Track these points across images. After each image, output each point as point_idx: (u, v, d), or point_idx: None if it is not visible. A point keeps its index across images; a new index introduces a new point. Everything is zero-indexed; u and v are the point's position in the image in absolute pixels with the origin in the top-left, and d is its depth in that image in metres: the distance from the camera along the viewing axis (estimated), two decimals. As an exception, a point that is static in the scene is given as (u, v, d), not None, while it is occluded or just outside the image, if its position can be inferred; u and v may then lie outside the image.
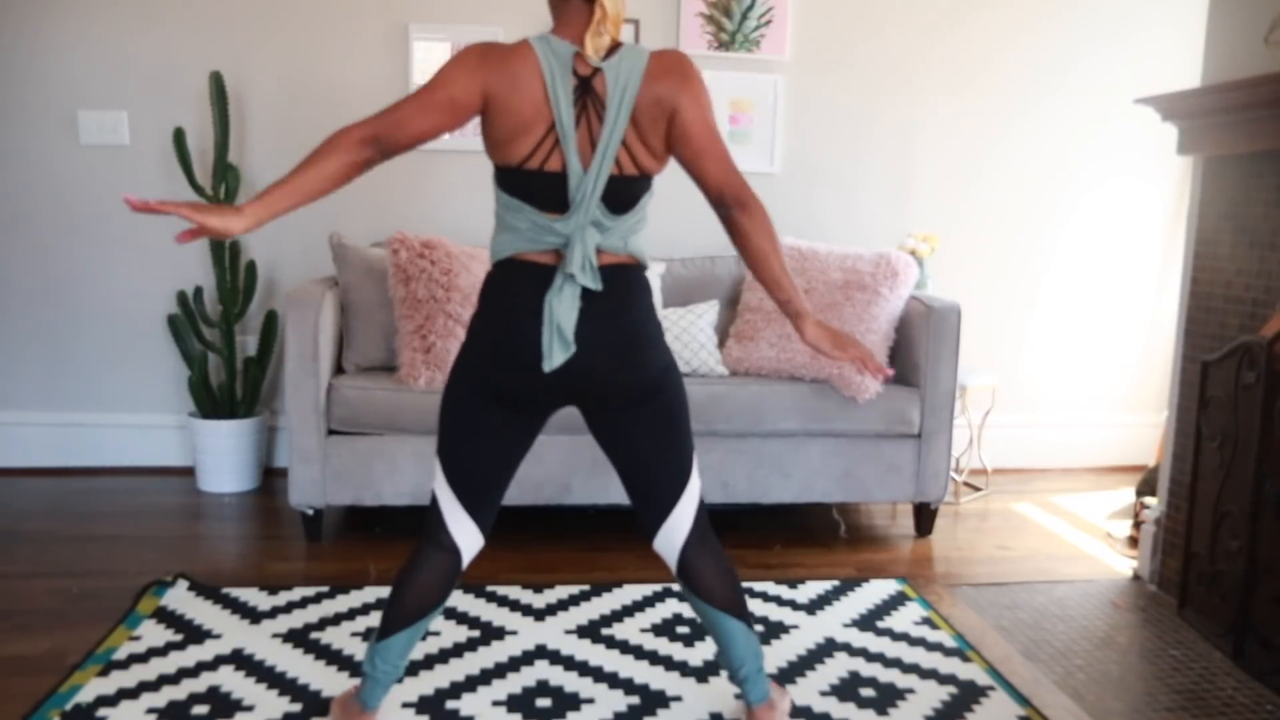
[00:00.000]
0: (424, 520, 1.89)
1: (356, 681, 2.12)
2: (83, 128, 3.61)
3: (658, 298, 3.48)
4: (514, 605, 2.63)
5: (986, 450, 3.97)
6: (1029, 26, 3.90)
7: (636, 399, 1.83)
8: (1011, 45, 3.91)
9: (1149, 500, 3.26)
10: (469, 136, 3.73)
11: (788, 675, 2.29)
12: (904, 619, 2.61)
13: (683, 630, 2.51)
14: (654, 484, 1.88)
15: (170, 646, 2.34)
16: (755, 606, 2.66)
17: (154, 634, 2.40)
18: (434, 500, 1.87)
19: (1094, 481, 4.02)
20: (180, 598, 2.61)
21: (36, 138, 3.60)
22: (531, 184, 1.79)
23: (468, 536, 1.87)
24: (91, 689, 2.13)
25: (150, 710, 2.06)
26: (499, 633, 2.47)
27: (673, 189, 3.83)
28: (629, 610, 2.62)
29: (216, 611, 2.54)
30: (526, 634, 2.47)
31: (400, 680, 2.15)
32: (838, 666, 2.34)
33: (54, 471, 3.74)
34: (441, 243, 3.18)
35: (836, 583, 2.84)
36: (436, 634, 2.45)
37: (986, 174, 3.99)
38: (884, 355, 3.19)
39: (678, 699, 2.17)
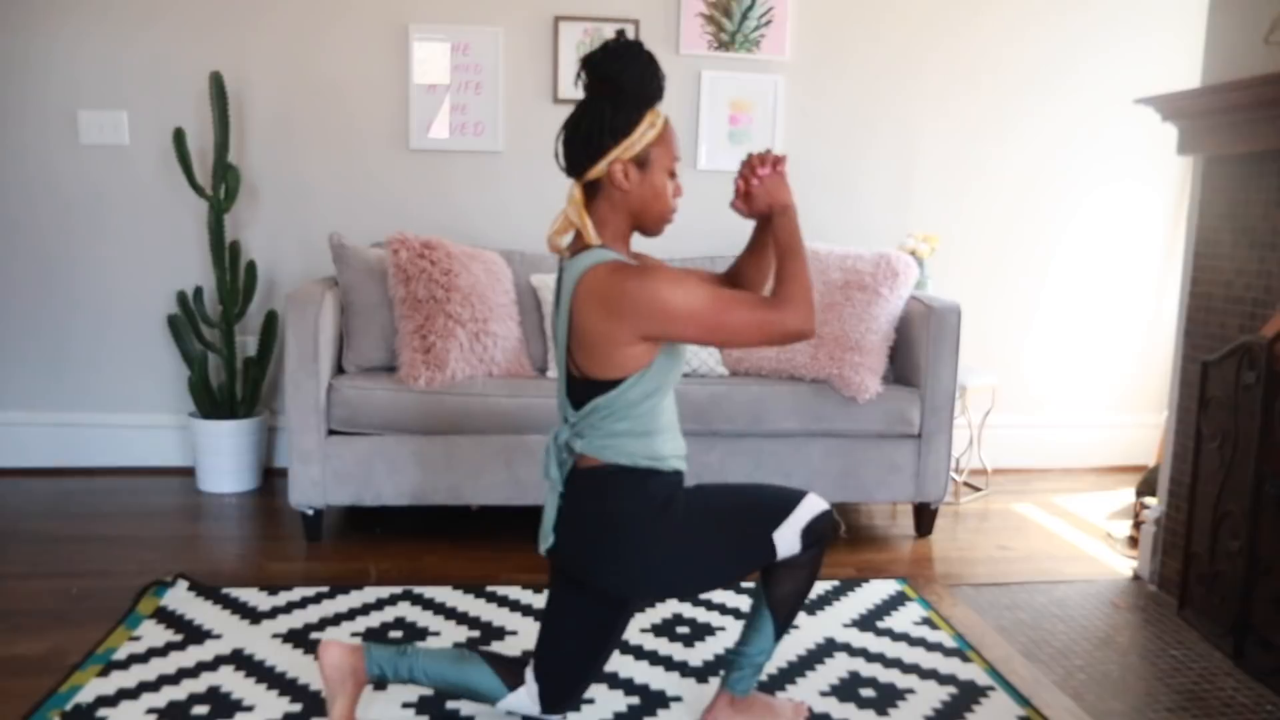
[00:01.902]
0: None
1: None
2: (83, 128, 3.61)
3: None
4: (514, 605, 2.63)
5: (986, 450, 3.97)
6: (1029, 26, 3.90)
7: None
8: (1011, 45, 3.91)
9: (1149, 500, 3.26)
10: (468, 136, 3.74)
11: (788, 675, 2.29)
12: (904, 619, 2.61)
13: (683, 630, 2.51)
14: None
15: (170, 647, 2.34)
16: (755, 606, 2.66)
17: (154, 634, 2.40)
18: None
19: (1094, 481, 4.02)
20: (180, 598, 2.61)
21: (36, 138, 3.60)
22: None
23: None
24: (91, 689, 2.13)
25: (150, 710, 2.06)
26: (499, 633, 2.47)
27: (673, 189, 3.85)
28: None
29: (216, 611, 2.54)
30: (526, 634, 2.46)
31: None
32: (838, 666, 2.34)
33: (54, 471, 3.74)
34: (441, 243, 3.18)
35: (836, 583, 2.84)
36: (436, 634, 2.45)
37: (986, 174, 3.99)
38: (884, 355, 3.19)
39: (678, 699, 2.17)
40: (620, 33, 1.78)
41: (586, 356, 1.75)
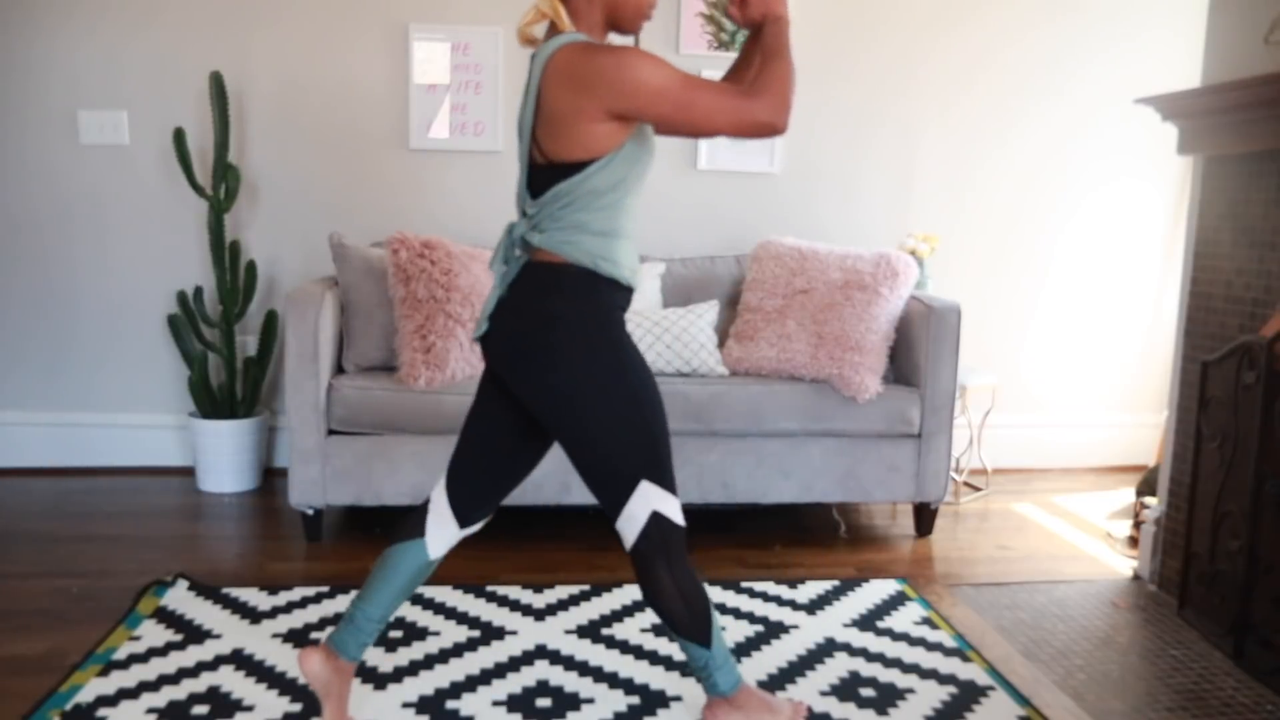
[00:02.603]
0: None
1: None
2: (83, 128, 3.61)
3: (655, 298, 3.47)
4: (514, 605, 2.63)
5: (986, 450, 3.97)
6: (1029, 26, 3.90)
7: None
8: (1011, 45, 3.91)
9: (1149, 500, 3.26)
10: (468, 136, 3.74)
11: (788, 675, 2.29)
12: (904, 619, 2.61)
13: (683, 630, 2.51)
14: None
15: (170, 646, 2.34)
16: (755, 606, 2.66)
17: (154, 634, 2.40)
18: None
19: (1094, 481, 4.02)
20: (180, 598, 2.61)
21: (36, 138, 3.60)
22: None
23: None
24: (91, 689, 2.13)
25: (150, 710, 2.06)
26: (499, 633, 2.47)
27: (671, 189, 3.85)
28: (629, 610, 2.62)
29: (216, 611, 2.54)
30: (526, 634, 2.46)
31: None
32: (838, 666, 2.34)
33: (54, 471, 3.74)
34: (441, 243, 3.18)
35: (836, 583, 2.84)
36: (436, 634, 2.45)
37: (986, 174, 3.99)
38: (884, 355, 3.19)
39: (678, 699, 2.17)
40: None
41: (553, 137, 1.72)
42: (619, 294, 1.82)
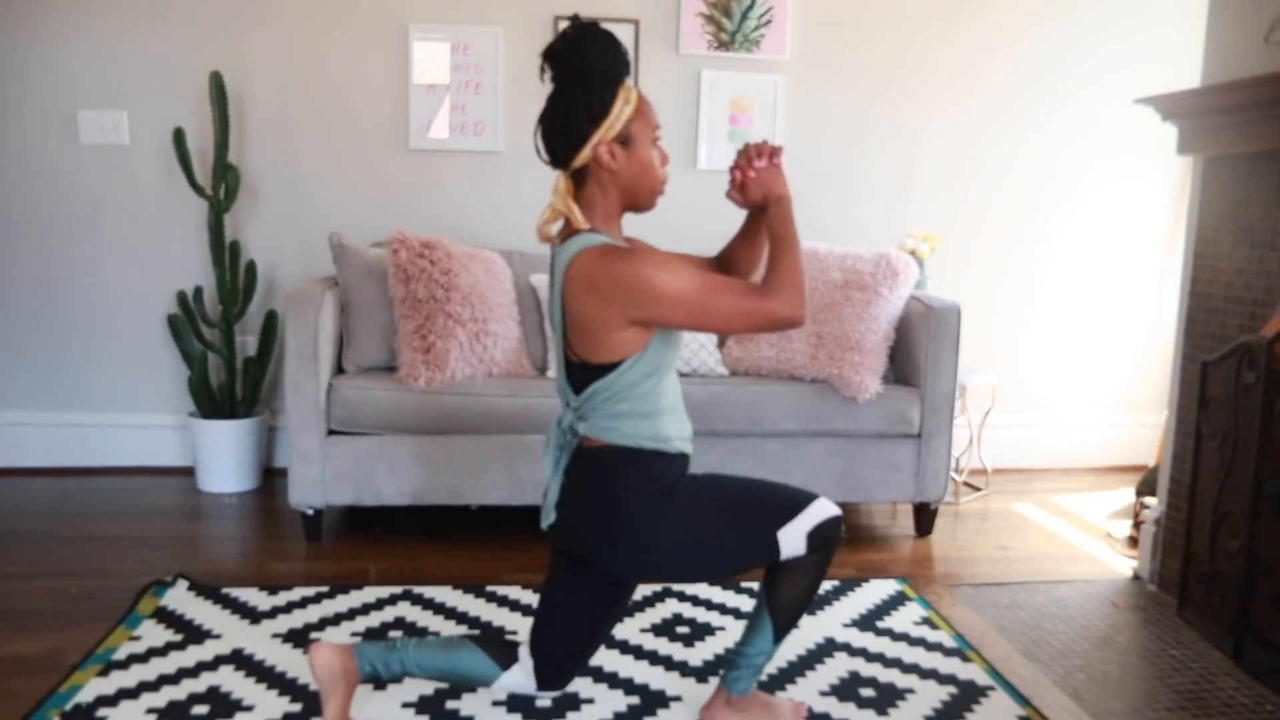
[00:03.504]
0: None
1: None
2: (83, 128, 3.61)
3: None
4: (514, 605, 2.63)
5: (986, 450, 3.97)
6: (1028, 26, 3.90)
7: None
8: (1011, 45, 3.91)
9: (1149, 500, 3.26)
10: (468, 136, 3.74)
11: (788, 675, 2.29)
12: (904, 619, 2.61)
13: (683, 630, 2.51)
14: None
15: (170, 646, 2.34)
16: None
17: (154, 634, 2.40)
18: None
19: (1094, 481, 4.02)
20: (180, 598, 2.61)
21: (36, 138, 3.60)
22: None
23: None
24: (91, 689, 2.13)
25: (150, 710, 2.06)
26: (499, 633, 2.47)
27: (670, 189, 3.83)
28: (629, 610, 2.62)
29: (216, 611, 2.54)
30: (527, 633, 2.46)
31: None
32: (838, 666, 2.34)
33: (54, 471, 3.74)
34: (441, 243, 3.18)
35: (836, 583, 2.84)
36: (436, 634, 2.45)
37: (986, 174, 3.99)
38: (884, 355, 3.19)
39: (678, 699, 2.17)
40: (575, 17, 1.78)
41: (581, 342, 1.75)
42: (672, 463, 1.85)
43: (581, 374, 1.79)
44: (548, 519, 1.87)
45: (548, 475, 1.87)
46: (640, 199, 1.82)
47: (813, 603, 1.89)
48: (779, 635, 1.94)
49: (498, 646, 1.95)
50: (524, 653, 1.94)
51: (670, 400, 1.84)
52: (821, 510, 1.87)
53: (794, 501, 1.86)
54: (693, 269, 1.75)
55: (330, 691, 1.92)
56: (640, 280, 1.67)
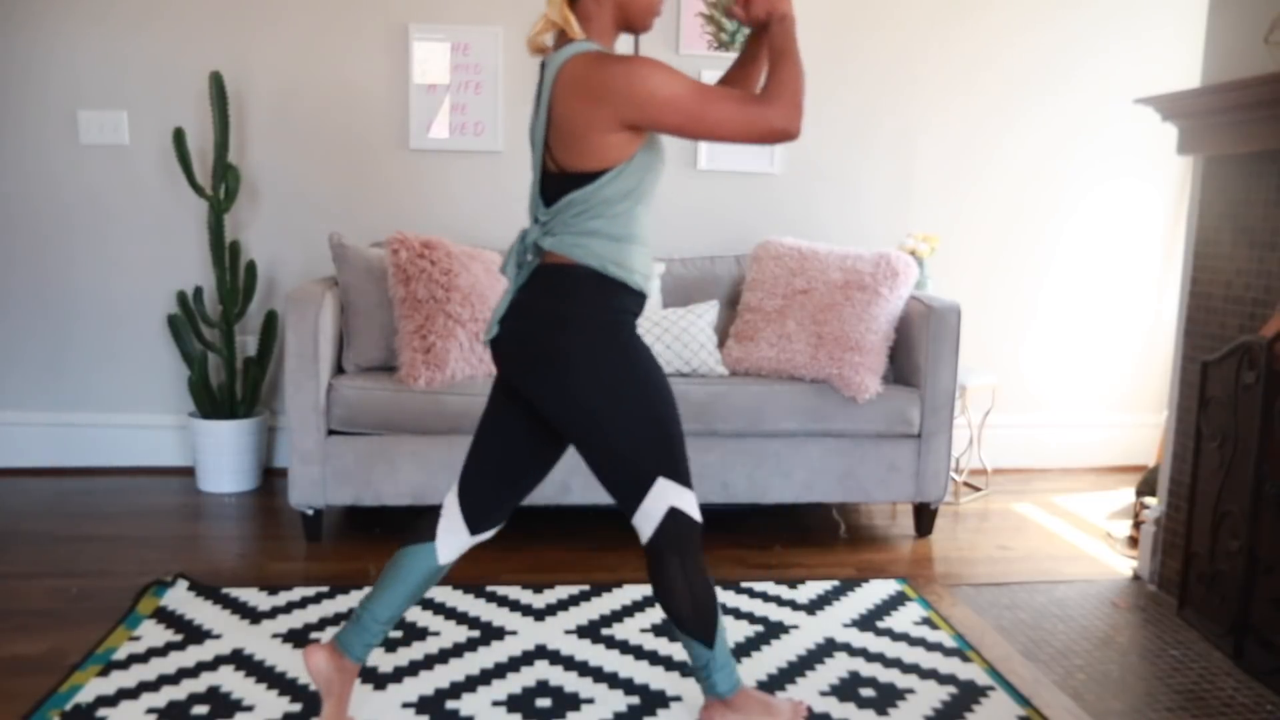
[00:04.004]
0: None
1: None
2: (83, 128, 3.61)
3: (655, 298, 3.47)
4: (514, 605, 2.63)
5: (986, 450, 3.97)
6: (1029, 26, 3.90)
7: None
8: (1011, 45, 3.91)
9: (1149, 500, 3.26)
10: (468, 136, 3.74)
11: (788, 675, 2.29)
12: (904, 619, 2.61)
13: (683, 630, 2.51)
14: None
15: (170, 646, 2.34)
16: (755, 606, 2.66)
17: (154, 634, 2.40)
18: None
19: (1094, 481, 4.02)
20: (180, 598, 2.61)
21: (36, 138, 3.60)
22: None
23: None
24: (91, 689, 2.13)
25: (150, 710, 2.06)
26: (499, 633, 2.47)
27: (671, 189, 3.85)
28: (629, 610, 2.62)
29: (216, 611, 2.54)
30: (526, 634, 2.46)
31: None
32: (838, 666, 2.34)
33: (54, 471, 3.74)
34: (441, 243, 3.18)
35: (836, 583, 2.84)
36: (436, 634, 2.45)
37: (986, 174, 3.99)
38: (884, 355, 3.19)
39: (678, 699, 2.17)
40: None
41: (565, 147, 1.73)
42: (630, 298, 1.82)
43: (558, 184, 1.76)
44: (490, 332, 1.84)
45: (503, 298, 1.84)
46: (635, 16, 1.79)
47: (704, 607, 1.87)
48: (699, 640, 1.90)
49: (417, 532, 1.95)
50: (448, 501, 1.94)
51: (642, 233, 1.81)
52: (692, 505, 1.84)
53: (685, 474, 1.85)
54: (690, 77, 1.72)
55: (328, 691, 1.94)
56: (635, 81, 1.66)
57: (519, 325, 1.81)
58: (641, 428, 1.80)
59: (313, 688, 2.14)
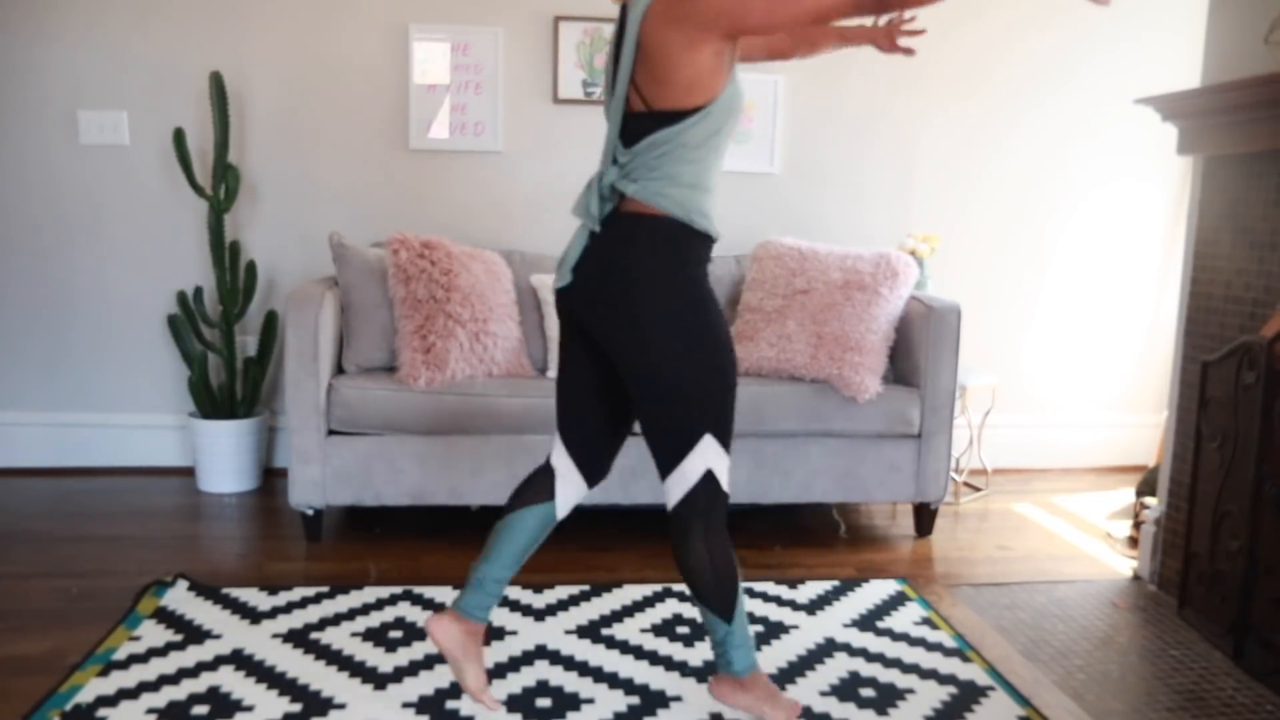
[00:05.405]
0: None
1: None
2: (83, 128, 3.61)
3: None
4: (514, 605, 2.63)
5: (986, 450, 3.97)
6: (1029, 27, 3.90)
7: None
8: (1012, 46, 3.91)
9: (1149, 500, 3.26)
10: (468, 136, 3.74)
11: (788, 675, 2.29)
12: (904, 619, 2.61)
13: (683, 630, 2.51)
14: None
15: (170, 647, 2.34)
16: (755, 606, 2.66)
17: (154, 634, 2.40)
18: None
19: (1094, 481, 4.02)
20: (180, 598, 2.61)
21: (36, 138, 3.60)
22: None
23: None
24: (91, 689, 2.13)
25: (150, 710, 2.06)
26: (499, 633, 2.47)
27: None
28: (629, 610, 2.62)
29: (216, 611, 2.54)
30: (526, 634, 2.46)
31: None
32: (838, 666, 2.34)
33: (54, 472, 3.74)
34: (441, 243, 3.18)
35: (836, 583, 2.84)
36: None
37: (987, 174, 3.99)
38: (884, 355, 3.19)
39: (678, 699, 2.17)
40: None
41: (658, 81, 1.74)
42: (705, 247, 1.85)
43: (643, 124, 1.77)
44: (561, 280, 1.86)
45: (576, 232, 1.86)
46: None
47: (725, 579, 1.89)
48: (717, 614, 1.92)
49: (532, 491, 1.99)
50: (557, 460, 1.98)
51: (715, 181, 1.84)
52: (726, 474, 1.87)
53: (729, 440, 1.88)
54: None
55: (463, 654, 1.97)
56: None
57: (593, 275, 1.83)
58: (708, 376, 1.82)
59: (314, 687, 2.14)
